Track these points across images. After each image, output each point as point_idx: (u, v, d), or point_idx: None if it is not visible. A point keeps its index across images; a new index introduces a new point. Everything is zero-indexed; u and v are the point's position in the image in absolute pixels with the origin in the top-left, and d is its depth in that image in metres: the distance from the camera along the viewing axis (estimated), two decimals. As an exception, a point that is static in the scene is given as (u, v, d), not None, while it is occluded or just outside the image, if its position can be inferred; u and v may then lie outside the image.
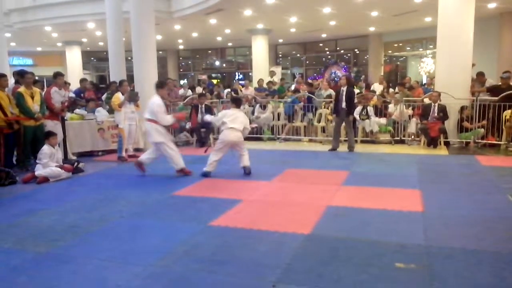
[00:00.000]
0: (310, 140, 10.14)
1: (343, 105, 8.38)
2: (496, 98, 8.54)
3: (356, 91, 12.66)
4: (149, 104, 6.49)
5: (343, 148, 9.02)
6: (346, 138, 8.93)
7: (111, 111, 8.81)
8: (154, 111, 6.34)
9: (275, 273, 3.06)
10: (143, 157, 6.69)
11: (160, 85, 6.75)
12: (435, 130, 8.55)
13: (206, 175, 6.31)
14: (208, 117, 7.24)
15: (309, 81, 14.42)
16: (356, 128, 9.70)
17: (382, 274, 3.03)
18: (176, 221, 4.35)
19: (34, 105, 7.04)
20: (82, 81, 10.82)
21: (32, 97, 7.06)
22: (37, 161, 6.47)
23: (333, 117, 9.01)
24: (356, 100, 9.19)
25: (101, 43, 18.88)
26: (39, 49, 21.98)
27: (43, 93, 7.50)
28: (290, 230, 3.93)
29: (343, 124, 8.75)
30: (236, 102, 6.74)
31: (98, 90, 11.74)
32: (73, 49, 19.24)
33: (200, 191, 5.57)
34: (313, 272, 3.08)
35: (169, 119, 6.50)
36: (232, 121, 6.29)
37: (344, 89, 8.47)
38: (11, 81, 9.12)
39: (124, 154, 8.09)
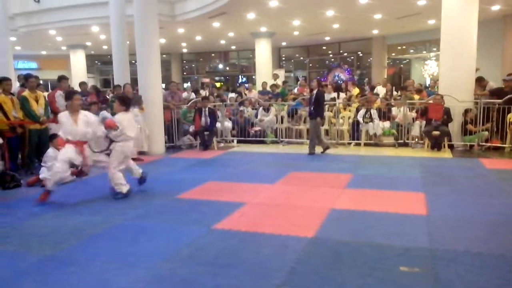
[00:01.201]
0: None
1: (312, 108, 8.46)
2: (500, 100, 8.52)
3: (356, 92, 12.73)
4: None
5: (345, 151, 9.02)
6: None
7: (114, 114, 8.81)
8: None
9: (279, 276, 3.06)
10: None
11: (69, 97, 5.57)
12: (436, 110, 8.49)
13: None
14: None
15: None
16: (360, 131, 9.69)
17: (386, 277, 3.02)
18: (180, 224, 4.35)
19: (39, 109, 7.08)
20: (82, 84, 10.86)
21: (37, 101, 7.11)
22: (42, 164, 6.50)
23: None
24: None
25: (105, 47, 18.97)
26: (43, 52, 22.11)
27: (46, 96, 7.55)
28: (293, 233, 3.93)
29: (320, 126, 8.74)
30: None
31: (99, 93, 11.77)
32: (77, 52, 19.33)
33: (204, 194, 5.58)
34: (317, 275, 3.07)
35: None
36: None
37: (315, 92, 8.49)
38: (16, 84, 9.20)
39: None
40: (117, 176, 5.41)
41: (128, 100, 5.86)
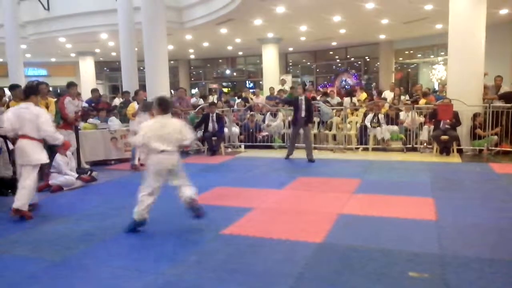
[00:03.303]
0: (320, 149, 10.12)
1: (303, 114, 8.30)
2: (510, 105, 8.45)
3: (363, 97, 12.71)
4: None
5: (352, 156, 8.99)
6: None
7: (124, 120, 8.90)
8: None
9: (287, 282, 3.06)
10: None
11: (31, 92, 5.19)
12: (446, 111, 8.42)
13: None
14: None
15: (320, 89, 14.44)
16: (368, 135, 9.66)
17: (395, 283, 3.00)
18: (188, 229, 4.36)
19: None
20: (94, 91, 10.97)
21: (47, 107, 7.18)
22: (51, 170, 6.57)
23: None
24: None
25: (113, 54, 19.16)
26: (53, 60, 22.39)
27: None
28: (302, 239, 3.92)
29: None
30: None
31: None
32: (86, 59, 19.55)
33: (212, 199, 5.58)
34: (325, 281, 3.06)
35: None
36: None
37: (302, 98, 8.42)
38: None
39: (137, 162, 8.17)
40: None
41: (168, 103, 4.60)
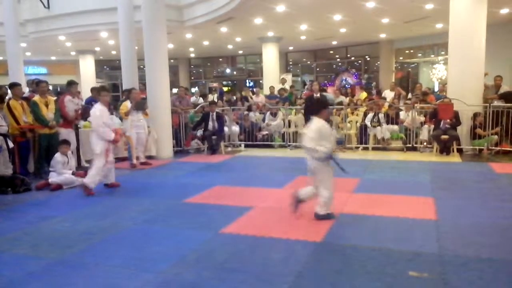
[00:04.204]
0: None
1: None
2: (510, 104, 8.44)
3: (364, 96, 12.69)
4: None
5: (352, 155, 8.98)
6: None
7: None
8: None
9: (286, 281, 3.05)
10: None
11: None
12: (447, 110, 8.39)
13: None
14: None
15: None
16: (368, 135, 9.65)
17: (395, 282, 3.00)
18: (188, 228, 4.36)
19: (49, 113, 7.16)
20: (93, 90, 10.95)
21: (47, 106, 7.19)
22: (50, 168, 6.57)
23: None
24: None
25: (114, 52, 19.14)
26: (53, 58, 22.37)
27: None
28: (301, 238, 3.92)
29: None
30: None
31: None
32: (86, 58, 19.54)
33: (211, 198, 5.58)
34: (325, 280, 3.06)
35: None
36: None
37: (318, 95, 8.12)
38: (26, 90, 9.29)
39: (135, 161, 8.16)
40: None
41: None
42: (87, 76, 19.36)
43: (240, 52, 21.93)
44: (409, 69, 20.19)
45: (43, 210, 5.28)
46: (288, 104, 11.62)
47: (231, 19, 12.71)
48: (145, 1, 9.08)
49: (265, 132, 10.72)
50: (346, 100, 12.43)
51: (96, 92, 6.62)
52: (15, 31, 12.78)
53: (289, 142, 10.43)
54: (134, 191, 6.23)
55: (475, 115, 8.71)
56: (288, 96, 12.50)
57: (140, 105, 8.23)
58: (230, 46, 19.40)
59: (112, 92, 20.59)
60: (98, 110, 6.12)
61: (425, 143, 9.33)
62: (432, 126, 8.93)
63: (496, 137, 8.63)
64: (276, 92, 13.30)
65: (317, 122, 4.32)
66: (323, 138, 4.26)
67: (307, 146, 4.32)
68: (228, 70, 24.79)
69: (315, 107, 4.47)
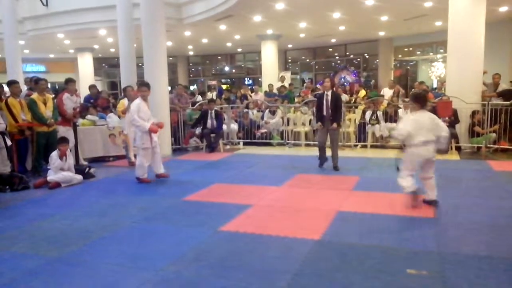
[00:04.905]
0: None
1: (328, 112, 7.02)
2: (508, 102, 8.46)
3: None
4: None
5: (351, 153, 8.98)
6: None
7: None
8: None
9: (285, 279, 3.06)
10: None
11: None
12: (445, 108, 8.37)
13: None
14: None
15: (318, 86, 14.40)
16: (366, 133, 9.66)
17: (393, 280, 3.01)
18: (187, 226, 4.37)
19: (47, 111, 7.14)
20: (92, 87, 10.93)
21: (45, 103, 7.17)
22: (48, 166, 6.56)
23: (317, 126, 7.34)
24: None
25: (112, 50, 19.09)
26: (51, 56, 22.30)
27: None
28: (300, 236, 3.92)
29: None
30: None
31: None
32: (85, 55, 19.48)
33: (210, 196, 5.59)
34: (323, 278, 3.07)
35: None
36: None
37: (329, 93, 7.08)
38: (24, 87, 9.26)
39: (133, 159, 8.13)
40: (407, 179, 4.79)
41: (424, 96, 5.03)
42: (86, 74, 19.32)
43: (239, 50, 21.89)
44: (408, 67, 20.19)
45: (42, 208, 5.27)
46: (287, 102, 11.62)
47: (230, 16, 12.68)
48: (144, -2, 9.06)
49: (263, 130, 10.72)
50: (347, 98, 12.45)
51: (137, 87, 6.97)
52: (13, 28, 12.75)
53: (288, 140, 10.43)
54: (133, 189, 6.23)
55: (474, 113, 8.72)
56: (288, 94, 12.51)
57: None
58: (229, 44, 19.37)
59: (110, 90, 20.66)
60: (135, 105, 6.44)
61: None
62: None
63: (494, 135, 8.65)
64: (275, 90, 13.30)
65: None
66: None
67: (446, 135, 4.69)
68: (227, 68, 24.75)
69: (423, 100, 4.87)
